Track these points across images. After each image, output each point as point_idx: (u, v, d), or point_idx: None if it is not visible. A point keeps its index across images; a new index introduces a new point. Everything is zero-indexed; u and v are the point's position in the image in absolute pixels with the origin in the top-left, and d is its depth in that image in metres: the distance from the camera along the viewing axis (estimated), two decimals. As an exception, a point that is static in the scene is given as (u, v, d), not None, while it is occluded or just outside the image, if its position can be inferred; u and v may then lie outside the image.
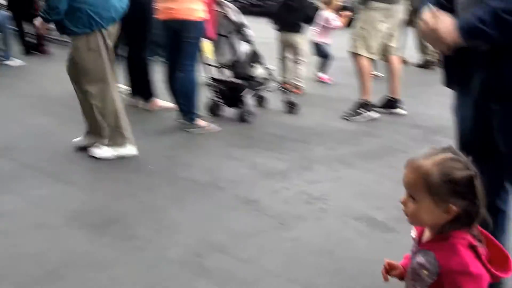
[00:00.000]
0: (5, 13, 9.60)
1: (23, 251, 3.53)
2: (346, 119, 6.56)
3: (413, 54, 10.54)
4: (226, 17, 6.38)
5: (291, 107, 6.84)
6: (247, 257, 3.58)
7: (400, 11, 6.49)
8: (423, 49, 9.94)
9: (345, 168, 5.10)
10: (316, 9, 8.32)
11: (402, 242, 3.38)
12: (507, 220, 2.93)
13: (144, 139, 5.73)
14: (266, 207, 4.29)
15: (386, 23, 6.48)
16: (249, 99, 6.53)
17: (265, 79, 6.80)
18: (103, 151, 5.14)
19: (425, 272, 1.88)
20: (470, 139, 2.73)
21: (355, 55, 6.54)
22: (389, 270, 2.16)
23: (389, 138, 5.96)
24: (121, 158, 5.18)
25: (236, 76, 6.61)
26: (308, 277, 3.36)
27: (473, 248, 1.85)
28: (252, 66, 6.63)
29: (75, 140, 5.32)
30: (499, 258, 1.90)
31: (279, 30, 7.99)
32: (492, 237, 1.95)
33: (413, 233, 2.07)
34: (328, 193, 4.55)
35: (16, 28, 10.14)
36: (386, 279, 2.16)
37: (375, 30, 6.45)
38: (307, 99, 7.69)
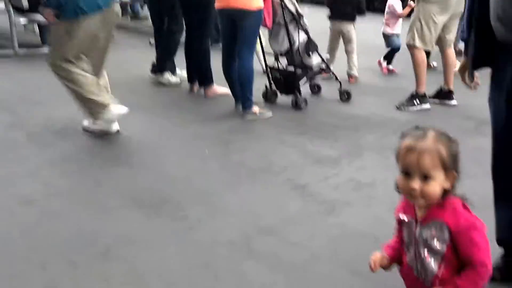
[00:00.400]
0: None
1: (77, 229, 3.67)
2: (399, 109, 6.57)
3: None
4: (282, 6, 6.40)
5: (345, 96, 6.88)
6: (295, 241, 3.64)
7: (458, 3, 6.40)
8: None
9: (393, 157, 5.11)
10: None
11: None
12: None
13: (200, 123, 5.91)
14: (315, 193, 4.35)
15: (442, 16, 6.46)
16: (303, 87, 6.58)
17: (321, 68, 6.83)
18: (90, 125, 5.45)
19: (437, 241, 2.08)
20: (503, 132, 2.78)
21: (412, 47, 6.51)
22: (375, 268, 2.34)
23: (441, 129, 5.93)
24: (174, 140, 5.29)
25: (292, 65, 6.66)
26: (355, 263, 3.40)
27: (464, 206, 2.10)
28: (308, 55, 6.67)
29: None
30: None
31: (332, 18, 8.00)
32: None
33: (404, 216, 2.26)
34: (377, 180, 4.57)
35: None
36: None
37: (431, 23, 6.42)
38: (363, 88, 7.70)
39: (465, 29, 2.98)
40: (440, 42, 6.67)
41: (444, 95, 6.89)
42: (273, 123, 6.00)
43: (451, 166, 2.04)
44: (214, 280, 3.21)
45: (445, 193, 2.07)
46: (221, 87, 6.97)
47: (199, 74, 7.07)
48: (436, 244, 2.07)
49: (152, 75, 7.61)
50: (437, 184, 2.04)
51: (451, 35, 6.71)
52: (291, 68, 6.63)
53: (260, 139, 5.58)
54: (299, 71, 6.58)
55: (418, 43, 6.45)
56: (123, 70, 8.16)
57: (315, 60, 6.76)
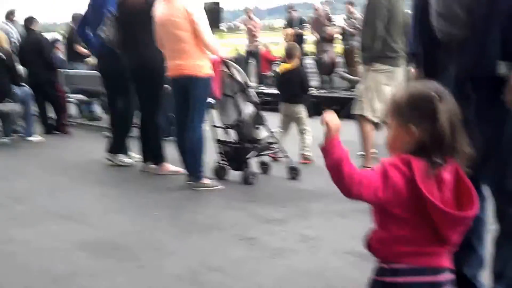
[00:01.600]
0: (28, 90, 9.96)
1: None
2: None
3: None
4: (231, 77, 6.80)
5: (294, 173, 7.06)
6: (241, 275, 4.07)
7: (402, 73, 6.75)
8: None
9: (341, 218, 5.39)
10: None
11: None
12: (484, 227, 3.12)
13: (152, 193, 6.32)
14: (263, 242, 4.79)
15: (389, 86, 6.69)
16: (253, 162, 6.79)
17: (269, 142, 7.03)
18: None
19: None
20: None
21: (361, 118, 6.83)
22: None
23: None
24: (127, 206, 5.81)
25: (241, 138, 6.92)
26: None
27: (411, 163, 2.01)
28: (256, 128, 6.87)
29: None
30: (466, 197, 2.07)
31: (282, 101, 8.22)
32: (464, 176, 2.10)
33: None
34: (323, 235, 4.94)
35: (38, 108, 10.50)
36: None
37: (379, 93, 6.71)
38: (315, 167, 7.88)
39: (412, 42, 3.35)
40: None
41: None
42: (223, 193, 6.43)
43: (404, 116, 2.03)
44: None
45: (414, 153, 2.04)
46: (172, 166, 7.12)
47: (152, 152, 7.24)
48: None
49: (107, 155, 7.74)
50: (391, 133, 2.10)
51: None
52: (241, 142, 6.81)
53: (210, 205, 6.05)
54: (247, 144, 6.80)
55: (368, 113, 6.75)
56: (80, 155, 8.36)
57: (263, 133, 6.97)
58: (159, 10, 6.38)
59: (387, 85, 6.65)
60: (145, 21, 6.63)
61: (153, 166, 7.34)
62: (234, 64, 7.02)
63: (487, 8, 2.81)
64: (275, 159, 7.57)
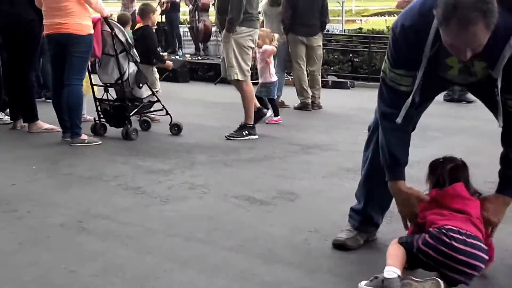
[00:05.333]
0: None
1: None
2: (229, 139, 6.82)
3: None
4: (113, 36, 6.62)
5: (175, 130, 7.04)
6: (129, 221, 3.92)
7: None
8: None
9: (226, 167, 5.40)
10: None
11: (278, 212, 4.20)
12: None
13: (25, 149, 6.06)
14: (150, 191, 4.65)
15: (251, 47, 7.00)
16: (133, 119, 6.72)
17: (151, 101, 6.99)
18: None
19: None
20: None
21: (236, 82, 6.95)
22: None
23: (268, 150, 6.29)
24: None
25: (122, 96, 6.78)
26: (187, 233, 3.74)
27: None
28: (138, 87, 6.84)
29: None
30: None
31: None
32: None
33: None
34: (209, 182, 4.85)
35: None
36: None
37: (244, 54, 6.89)
38: (194, 126, 7.86)
39: None
40: None
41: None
42: (102, 148, 6.22)
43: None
44: (47, 250, 3.43)
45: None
46: (46, 124, 6.88)
47: (23, 110, 6.95)
48: None
49: None
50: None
51: None
52: (121, 100, 6.71)
53: (89, 158, 5.80)
54: (129, 103, 6.70)
55: (240, 77, 6.85)
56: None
57: (145, 92, 6.91)
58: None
59: (251, 45, 6.90)
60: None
61: (25, 124, 7.09)
62: (117, 23, 6.87)
63: None
64: (154, 120, 7.56)
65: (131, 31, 8.19)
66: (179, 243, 3.56)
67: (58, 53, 6.25)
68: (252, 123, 7.01)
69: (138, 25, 8.33)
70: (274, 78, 8.24)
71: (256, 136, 6.93)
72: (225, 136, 6.89)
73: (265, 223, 3.93)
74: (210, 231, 3.75)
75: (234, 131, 6.97)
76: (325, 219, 3.98)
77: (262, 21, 9.45)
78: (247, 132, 6.93)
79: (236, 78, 6.90)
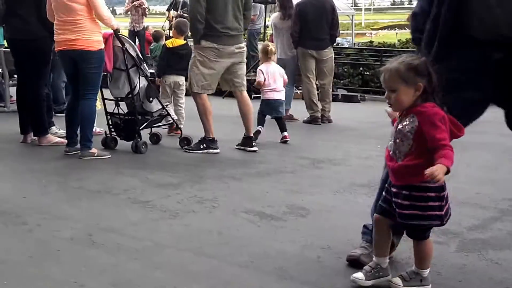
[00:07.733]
0: None
1: None
2: (186, 151, 6.77)
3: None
4: (124, 51, 6.68)
5: (185, 143, 7.06)
6: (138, 235, 3.93)
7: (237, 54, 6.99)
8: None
9: (236, 181, 5.42)
10: None
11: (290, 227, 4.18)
12: None
13: (35, 162, 6.08)
14: (159, 205, 4.65)
15: (220, 60, 6.88)
16: (144, 133, 6.79)
17: (161, 115, 7.05)
18: None
19: (407, 128, 2.90)
20: None
21: (193, 94, 6.92)
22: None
23: (277, 163, 6.30)
24: (9, 174, 5.53)
25: (132, 111, 6.83)
26: (196, 248, 3.74)
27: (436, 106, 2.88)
28: (149, 101, 6.89)
29: None
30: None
31: (169, 74, 8.10)
32: (450, 116, 2.91)
33: (388, 109, 3.08)
34: (219, 197, 4.87)
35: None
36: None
37: (206, 69, 6.83)
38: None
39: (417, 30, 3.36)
40: (232, 86, 7.04)
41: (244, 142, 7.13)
42: (112, 161, 6.25)
43: (411, 78, 2.87)
44: (57, 264, 3.43)
45: (419, 100, 2.89)
46: (56, 137, 6.95)
47: (33, 124, 7.00)
48: (406, 131, 2.90)
49: None
50: (399, 94, 2.90)
51: (239, 79, 7.11)
52: (131, 114, 6.77)
53: (98, 171, 5.81)
54: (139, 117, 6.76)
55: (195, 89, 6.87)
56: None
57: (155, 106, 6.96)
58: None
59: (216, 59, 6.82)
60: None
61: (35, 138, 7.15)
62: (127, 38, 6.96)
63: None
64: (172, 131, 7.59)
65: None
66: (189, 258, 3.56)
67: (72, 68, 6.34)
68: (212, 136, 6.92)
69: (178, 41, 8.10)
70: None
71: (216, 150, 6.80)
72: (184, 149, 6.87)
73: (276, 239, 3.93)
74: (220, 246, 3.76)
75: (193, 144, 6.93)
76: (339, 236, 3.96)
77: (271, 35, 9.48)
78: (204, 146, 6.85)
79: (192, 89, 6.89)
